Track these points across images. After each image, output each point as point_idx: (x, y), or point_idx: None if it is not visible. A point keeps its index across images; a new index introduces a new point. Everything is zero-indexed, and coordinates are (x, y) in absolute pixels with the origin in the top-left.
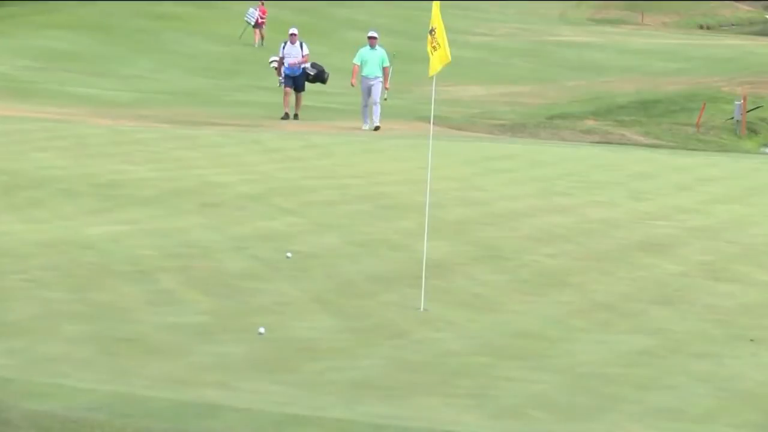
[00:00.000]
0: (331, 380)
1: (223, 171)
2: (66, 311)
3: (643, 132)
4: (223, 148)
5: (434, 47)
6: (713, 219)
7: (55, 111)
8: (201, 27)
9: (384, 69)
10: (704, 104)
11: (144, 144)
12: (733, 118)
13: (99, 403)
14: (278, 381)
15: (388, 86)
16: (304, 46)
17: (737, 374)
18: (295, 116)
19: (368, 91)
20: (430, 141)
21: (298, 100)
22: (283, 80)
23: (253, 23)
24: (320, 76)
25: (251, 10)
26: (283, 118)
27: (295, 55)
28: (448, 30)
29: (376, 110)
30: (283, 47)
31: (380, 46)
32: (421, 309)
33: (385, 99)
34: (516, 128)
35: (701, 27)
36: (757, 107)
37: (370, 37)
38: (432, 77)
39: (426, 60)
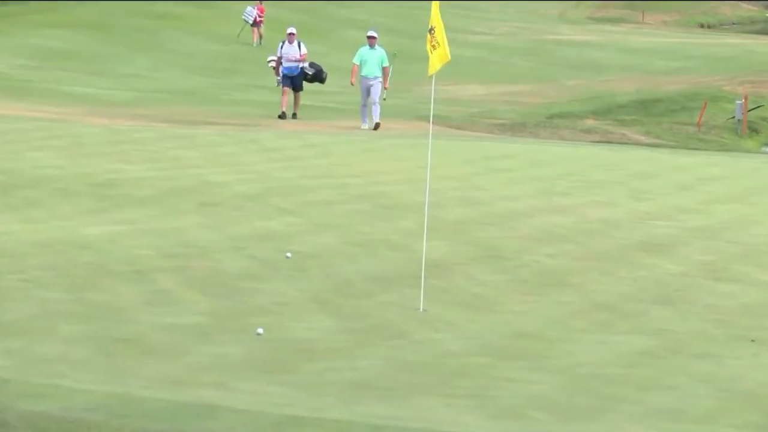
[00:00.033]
0: (330, 381)
1: (221, 170)
2: (63, 311)
3: (643, 131)
4: (221, 147)
5: (434, 46)
6: (714, 219)
7: (52, 110)
8: (199, 26)
9: (383, 69)
10: (705, 103)
11: (141, 143)
12: (734, 117)
13: (96, 404)
14: (276, 382)
15: (387, 86)
16: (302, 45)
17: (738, 375)
18: (294, 115)
19: (367, 91)
20: (430, 140)
21: (296, 99)
22: (281, 80)
23: (251, 22)
24: (318, 76)
25: (249, 8)
26: (280, 117)
27: (293, 54)
28: (448, 29)
29: (376, 110)
30: (281, 47)
31: (380, 45)
32: (421, 309)
33: (384, 99)
34: (516, 127)
35: (702, 25)
36: (759, 106)
37: (369, 37)
38: (431, 76)
39: (425, 59)
